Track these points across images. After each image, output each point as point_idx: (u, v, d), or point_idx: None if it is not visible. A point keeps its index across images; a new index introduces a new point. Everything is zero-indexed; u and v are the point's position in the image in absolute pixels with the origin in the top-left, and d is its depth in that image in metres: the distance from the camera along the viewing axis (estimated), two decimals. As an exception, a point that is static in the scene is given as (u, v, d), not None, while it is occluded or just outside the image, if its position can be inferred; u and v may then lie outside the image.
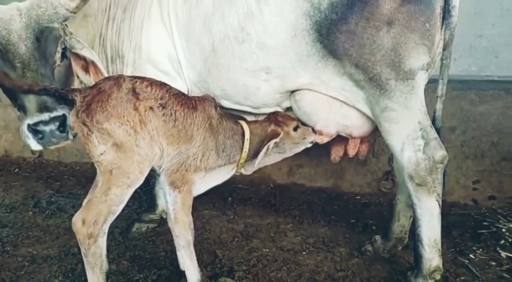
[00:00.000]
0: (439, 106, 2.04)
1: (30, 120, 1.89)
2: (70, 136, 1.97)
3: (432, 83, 2.10)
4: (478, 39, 3.38)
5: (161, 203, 2.82)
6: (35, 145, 1.92)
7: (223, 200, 3.22)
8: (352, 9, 1.86)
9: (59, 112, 1.92)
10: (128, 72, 2.35)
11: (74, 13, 2.07)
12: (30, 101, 1.90)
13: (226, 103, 2.34)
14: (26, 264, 2.36)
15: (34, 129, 1.90)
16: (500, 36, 3.26)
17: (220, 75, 2.21)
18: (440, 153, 1.91)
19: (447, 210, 2.86)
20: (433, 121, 2.04)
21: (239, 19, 2.08)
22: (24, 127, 1.91)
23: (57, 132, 1.92)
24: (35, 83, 1.89)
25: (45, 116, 1.88)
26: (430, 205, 1.95)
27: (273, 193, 3.39)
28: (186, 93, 2.38)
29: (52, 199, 3.27)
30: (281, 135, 2.05)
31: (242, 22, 2.07)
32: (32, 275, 2.26)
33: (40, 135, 1.91)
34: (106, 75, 2.18)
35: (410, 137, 1.92)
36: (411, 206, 2.09)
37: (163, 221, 2.78)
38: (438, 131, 2.01)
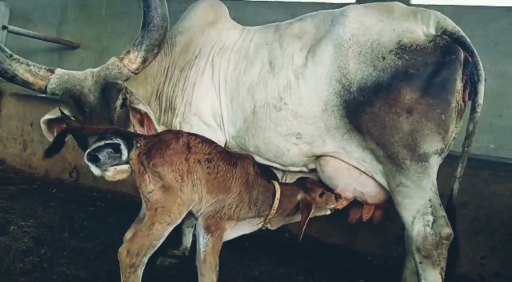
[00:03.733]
0: (456, 185, 2.26)
1: (89, 149, 2.09)
2: (124, 158, 2.11)
3: (448, 158, 2.30)
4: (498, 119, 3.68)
5: (185, 240, 3.06)
6: (95, 170, 2.10)
7: (241, 244, 3.43)
8: (377, 95, 2.15)
9: (113, 141, 2.09)
10: (177, 122, 2.70)
11: (135, 73, 2.46)
12: (93, 137, 2.19)
13: (257, 159, 2.61)
14: (60, 282, 2.59)
15: (92, 155, 2.07)
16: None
17: (256, 134, 2.52)
18: (446, 230, 2.10)
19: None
20: (450, 198, 2.25)
21: (279, 90, 2.42)
22: (85, 157, 2.09)
23: (112, 154, 2.08)
24: (99, 123, 2.21)
25: (101, 142, 2.07)
26: (434, 277, 2.11)
27: (288, 244, 3.57)
28: (224, 144, 2.71)
29: (85, 223, 3.55)
30: (313, 210, 2.29)
31: (281, 93, 2.41)
32: (65, 293, 2.48)
33: (98, 159, 2.07)
34: (157, 126, 2.52)
35: (421, 212, 2.13)
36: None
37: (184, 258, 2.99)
38: (453, 208, 2.23)
